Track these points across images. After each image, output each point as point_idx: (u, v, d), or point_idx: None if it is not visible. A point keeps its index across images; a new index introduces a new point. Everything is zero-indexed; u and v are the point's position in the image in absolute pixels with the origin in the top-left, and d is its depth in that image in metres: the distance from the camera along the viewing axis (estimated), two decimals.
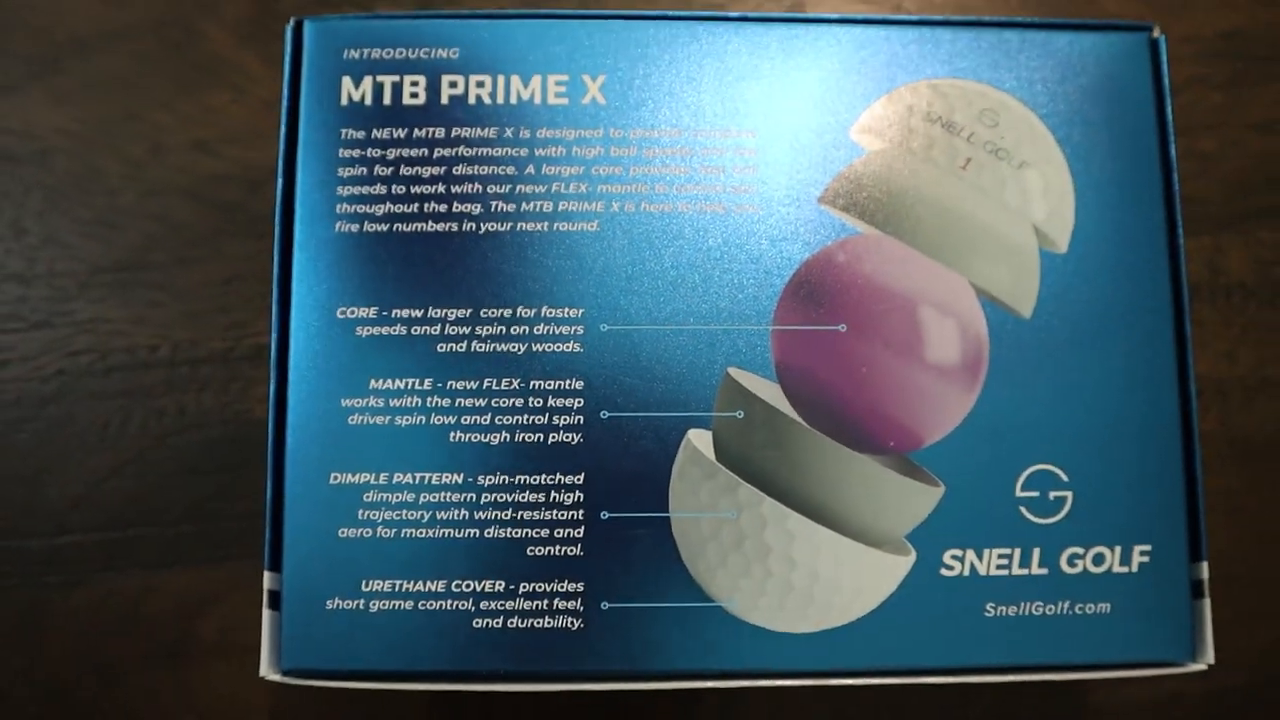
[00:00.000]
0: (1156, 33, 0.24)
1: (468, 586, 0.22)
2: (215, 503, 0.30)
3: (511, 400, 0.23)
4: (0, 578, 0.29)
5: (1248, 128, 0.32)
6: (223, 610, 0.29)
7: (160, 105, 0.32)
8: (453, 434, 0.23)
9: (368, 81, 0.24)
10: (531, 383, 0.23)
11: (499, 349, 0.23)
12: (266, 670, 0.22)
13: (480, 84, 0.24)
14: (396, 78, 0.24)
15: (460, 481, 0.22)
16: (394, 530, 0.22)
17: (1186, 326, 0.23)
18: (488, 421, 0.23)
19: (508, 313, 0.23)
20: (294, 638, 0.22)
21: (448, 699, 0.28)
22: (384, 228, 0.23)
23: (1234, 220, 0.31)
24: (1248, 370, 0.31)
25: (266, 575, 0.22)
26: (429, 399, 0.23)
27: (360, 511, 0.22)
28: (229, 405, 0.30)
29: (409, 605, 0.22)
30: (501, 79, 0.24)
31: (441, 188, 0.23)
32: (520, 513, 0.22)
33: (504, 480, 0.22)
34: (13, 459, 0.30)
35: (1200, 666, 0.22)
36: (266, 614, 0.22)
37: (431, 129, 0.23)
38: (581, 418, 0.23)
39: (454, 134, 0.23)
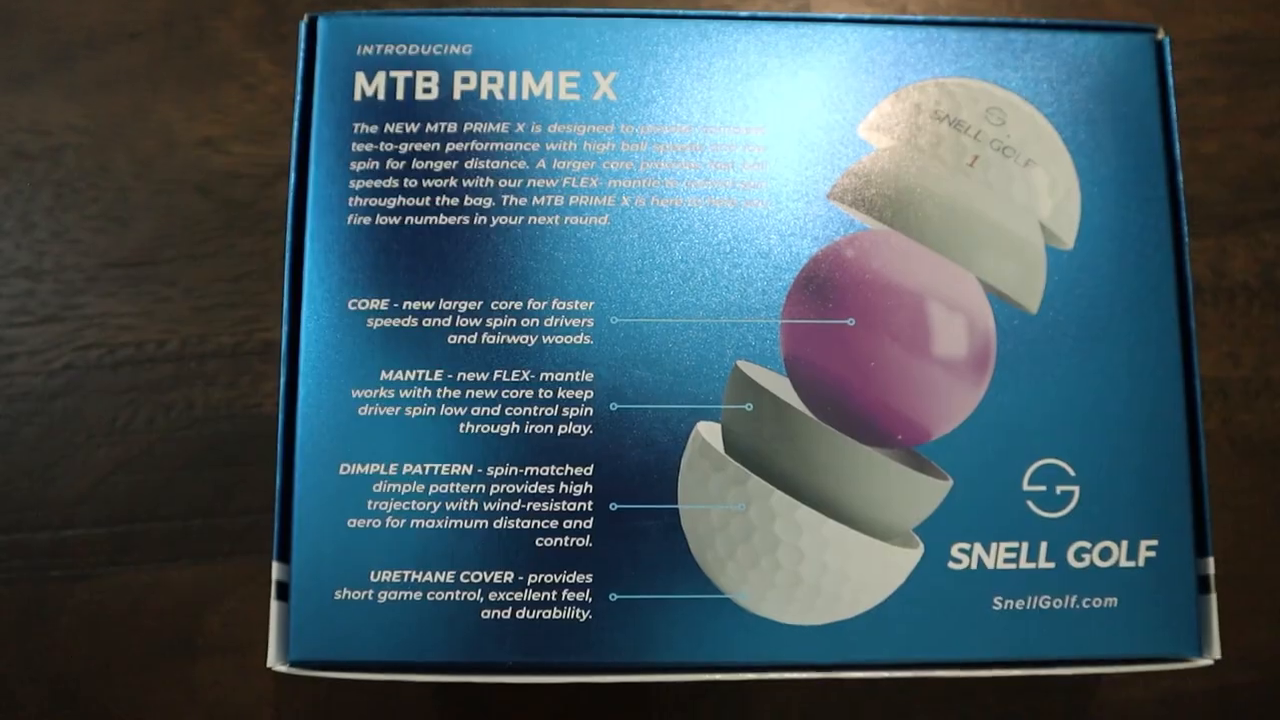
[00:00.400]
0: (1160, 34, 0.25)
1: (476, 577, 0.22)
2: (221, 498, 0.30)
3: (521, 392, 0.23)
4: (6, 571, 0.29)
5: (1250, 130, 0.32)
6: (228, 605, 0.29)
7: (171, 102, 0.32)
8: (463, 425, 0.23)
9: (381, 77, 0.24)
10: (541, 374, 0.23)
11: (509, 341, 0.23)
12: (274, 661, 0.22)
13: (493, 80, 0.24)
14: (410, 73, 0.24)
15: (470, 472, 0.23)
16: (403, 521, 0.22)
17: (1191, 322, 0.23)
18: (498, 413, 0.23)
19: (518, 305, 0.23)
20: (302, 628, 0.22)
21: (455, 690, 0.28)
22: (396, 220, 0.23)
23: (1237, 223, 0.31)
24: (1250, 371, 0.31)
25: (275, 566, 0.22)
26: (439, 390, 0.23)
27: (369, 502, 0.22)
28: (237, 400, 0.30)
29: (417, 596, 0.22)
30: (514, 75, 0.24)
31: (453, 181, 0.23)
32: (529, 504, 0.22)
33: (513, 471, 0.23)
34: (20, 452, 0.30)
35: (1206, 661, 0.22)
36: (274, 605, 0.22)
37: (444, 124, 0.24)
38: (591, 409, 0.23)
39: (466, 128, 0.24)
